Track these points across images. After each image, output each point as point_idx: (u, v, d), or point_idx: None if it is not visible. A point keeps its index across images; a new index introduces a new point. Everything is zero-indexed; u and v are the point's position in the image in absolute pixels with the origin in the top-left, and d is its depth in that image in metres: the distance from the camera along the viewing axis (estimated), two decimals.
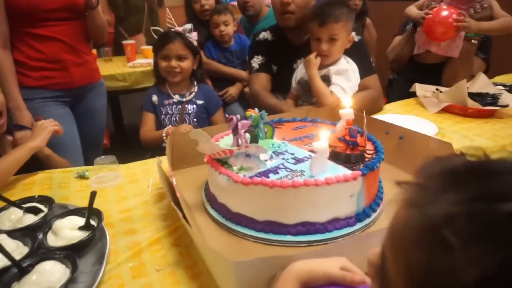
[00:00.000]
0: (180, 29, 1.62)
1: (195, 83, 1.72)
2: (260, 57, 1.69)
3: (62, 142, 1.62)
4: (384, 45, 2.58)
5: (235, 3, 2.85)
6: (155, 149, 1.57)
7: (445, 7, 1.81)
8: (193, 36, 1.64)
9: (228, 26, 2.32)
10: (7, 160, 1.06)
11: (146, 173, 1.18)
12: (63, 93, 1.74)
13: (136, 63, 2.79)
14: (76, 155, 1.74)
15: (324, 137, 0.81)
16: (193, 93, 1.70)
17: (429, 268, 0.27)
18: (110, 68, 2.71)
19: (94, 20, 1.72)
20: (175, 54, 1.60)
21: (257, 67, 1.68)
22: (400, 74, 2.16)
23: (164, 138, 1.57)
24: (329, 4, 1.35)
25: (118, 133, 3.21)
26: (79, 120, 1.82)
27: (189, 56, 1.63)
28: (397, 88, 2.06)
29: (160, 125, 1.67)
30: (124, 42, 2.94)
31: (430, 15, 1.79)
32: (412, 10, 1.96)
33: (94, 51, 2.43)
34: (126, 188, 1.09)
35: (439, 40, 1.84)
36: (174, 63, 1.59)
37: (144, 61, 2.82)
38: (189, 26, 1.63)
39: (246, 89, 2.37)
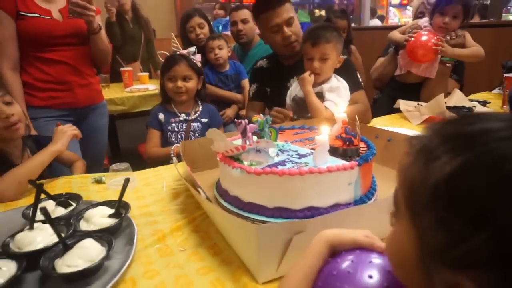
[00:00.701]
0: (185, 52, 1.76)
1: (199, 103, 1.85)
2: (254, 86, 1.91)
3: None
4: (368, 68, 2.80)
5: (228, 33, 3.05)
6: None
7: (425, 32, 2.02)
8: (197, 58, 1.78)
9: (222, 50, 2.48)
10: (31, 163, 1.15)
11: (159, 178, 1.28)
12: (68, 113, 1.85)
13: (133, 88, 2.92)
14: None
15: (325, 131, 0.94)
16: (198, 112, 1.82)
17: (415, 182, 0.34)
18: (109, 93, 2.83)
19: (97, 44, 1.85)
20: (181, 75, 1.72)
21: (251, 95, 1.92)
22: (383, 93, 2.35)
23: (172, 155, 1.65)
24: (321, 27, 1.53)
25: (116, 157, 3.29)
26: (82, 139, 1.91)
27: (194, 76, 1.76)
28: (381, 106, 2.23)
29: (166, 142, 1.76)
30: (122, 69, 3.09)
31: (412, 39, 2.00)
32: (396, 34, 2.17)
33: None
34: (142, 190, 1.18)
35: (420, 61, 2.04)
36: (180, 83, 1.72)
37: (141, 87, 2.96)
38: (193, 49, 1.78)
39: (242, 112, 2.51)
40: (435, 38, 1.95)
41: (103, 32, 1.86)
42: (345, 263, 0.49)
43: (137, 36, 3.47)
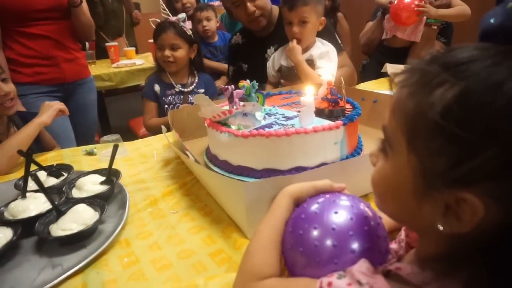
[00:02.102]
0: (173, 19, 1.69)
1: (195, 73, 1.81)
2: (231, 68, 1.92)
3: (56, 134, 1.70)
4: (357, 36, 2.77)
5: (214, 2, 2.99)
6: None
7: None
8: (187, 26, 1.71)
9: (210, 21, 2.45)
10: (18, 137, 1.16)
11: (150, 148, 1.29)
12: (55, 88, 1.83)
13: (120, 63, 2.88)
14: (71, 147, 1.82)
15: (310, 92, 0.95)
16: (194, 83, 1.78)
17: (417, 110, 0.36)
18: (96, 69, 2.79)
19: (79, 18, 1.81)
20: (168, 44, 1.67)
21: (231, 77, 1.94)
22: (371, 58, 2.34)
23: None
24: None
25: (107, 134, 3.27)
26: (72, 115, 1.89)
27: (183, 45, 1.69)
28: (370, 71, 2.23)
29: (162, 114, 1.73)
30: (108, 44, 3.03)
31: (395, 2, 1.99)
32: None
33: None
34: (133, 159, 1.20)
35: (404, 24, 2.03)
36: (167, 52, 1.67)
37: (128, 62, 2.92)
38: (183, 15, 1.71)
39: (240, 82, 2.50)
40: None
41: (84, 5, 1.82)
42: (312, 206, 0.52)
43: (118, 10, 3.38)
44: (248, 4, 1.61)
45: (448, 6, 1.98)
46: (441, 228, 0.36)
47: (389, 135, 0.41)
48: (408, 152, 0.38)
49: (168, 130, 1.22)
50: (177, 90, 1.75)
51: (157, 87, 1.75)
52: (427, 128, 0.35)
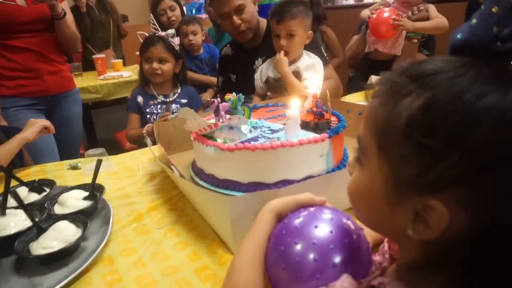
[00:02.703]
0: (163, 33, 1.75)
1: (178, 85, 1.85)
2: (221, 79, 1.94)
3: (39, 148, 1.68)
4: (344, 48, 2.81)
5: (201, 15, 3.01)
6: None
7: (387, 9, 2.05)
8: (175, 41, 1.76)
9: (196, 35, 2.46)
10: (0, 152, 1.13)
11: (135, 161, 1.28)
12: (38, 101, 1.80)
13: (107, 76, 2.86)
14: (55, 161, 1.79)
15: (296, 105, 0.96)
16: (177, 94, 1.82)
17: (386, 119, 0.38)
18: (82, 82, 2.77)
19: (62, 30, 1.79)
20: (156, 57, 1.71)
21: (220, 88, 1.96)
22: (357, 70, 2.37)
23: (144, 134, 1.66)
24: (286, 3, 1.51)
25: (93, 146, 3.23)
26: (56, 127, 1.87)
27: (171, 59, 1.74)
28: (356, 83, 2.26)
29: (146, 124, 1.73)
30: (94, 56, 3.01)
31: (374, 16, 2.03)
32: (365, 12, 2.19)
33: None
34: (118, 173, 1.18)
35: (384, 38, 2.07)
36: (155, 65, 1.71)
37: (115, 74, 2.90)
38: (171, 31, 1.77)
39: (226, 96, 2.50)
40: (395, 14, 1.98)
41: (69, 18, 1.80)
42: (293, 221, 0.52)
43: (106, 22, 3.37)
44: (234, 17, 1.63)
45: (427, 19, 2.02)
46: (411, 234, 0.37)
47: (363, 144, 0.42)
48: (379, 160, 0.39)
49: (154, 143, 1.21)
50: (159, 100, 1.79)
51: (140, 99, 1.79)
52: (395, 137, 0.36)
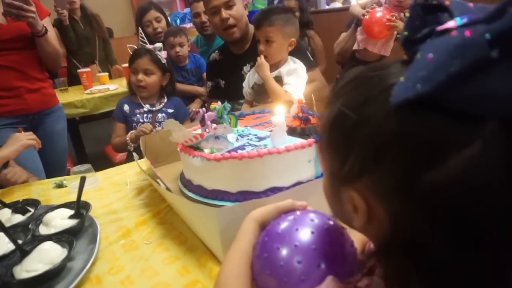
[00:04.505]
0: (150, 47, 1.78)
1: (165, 96, 1.86)
2: (210, 83, 1.95)
3: (23, 166, 1.63)
4: (327, 54, 2.83)
5: (185, 25, 3.01)
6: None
7: (379, 9, 2.07)
8: (162, 54, 1.79)
9: (183, 47, 2.45)
10: None
11: (122, 176, 1.26)
12: (19, 120, 1.77)
13: (93, 89, 2.83)
14: (40, 178, 1.76)
15: (281, 112, 0.95)
16: (163, 103, 1.84)
17: (322, 125, 0.42)
18: (68, 97, 2.74)
19: (43, 47, 1.76)
20: (142, 68, 1.74)
21: (208, 93, 1.98)
22: (344, 72, 2.38)
23: (128, 141, 1.71)
24: (268, 10, 1.53)
25: (82, 162, 3.20)
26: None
27: (156, 72, 1.77)
28: None
29: None
30: (80, 70, 2.98)
31: (367, 16, 2.04)
32: (356, 8, 2.20)
33: None
34: (105, 188, 1.16)
35: (376, 38, 2.08)
36: (140, 76, 1.74)
37: (101, 87, 2.87)
38: (159, 45, 1.80)
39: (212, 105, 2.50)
40: (390, 14, 2.00)
41: (50, 35, 1.78)
42: (274, 228, 0.52)
43: (91, 36, 3.34)
44: (223, 11, 1.66)
45: None
46: (355, 224, 0.41)
47: (319, 146, 0.46)
48: (321, 157, 0.44)
49: (141, 157, 1.19)
50: (145, 109, 1.81)
51: (126, 107, 1.81)
52: (324, 139, 0.42)
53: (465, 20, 0.32)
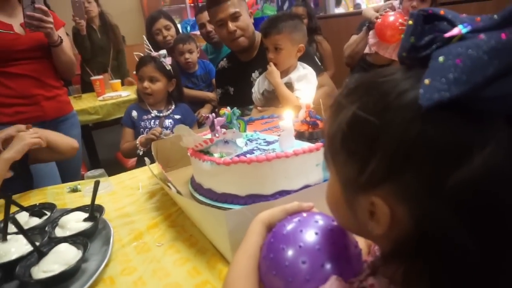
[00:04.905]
0: (155, 54, 1.81)
1: (173, 102, 1.90)
2: (219, 91, 1.98)
3: (41, 171, 1.68)
4: (335, 59, 2.84)
5: (196, 32, 3.05)
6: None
7: (392, 13, 2.07)
8: (167, 61, 1.82)
9: (192, 54, 2.49)
10: None
11: (134, 180, 1.29)
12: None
13: (106, 96, 2.89)
14: (57, 183, 1.80)
15: (289, 116, 0.97)
16: (171, 109, 1.87)
17: (330, 132, 0.42)
18: (81, 104, 2.80)
19: (59, 57, 1.81)
20: (147, 76, 1.78)
21: (218, 100, 2.01)
22: (352, 74, 2.39)
23: (138, 146, 1.74)
24: (275, 18, 1.53)
25: (95, 167, 3.24)
26: None
27: (162, 79, 1.80)
28: None
29: None
30: (93, 78, 3.05)
31: (380, 20, 2.05)
32: (369, 11, 2.21)
33: None
34: (118, 193, 1.19)
35: (388, 42, 2.08)
36: (146, 84, 1.78)
37: (114, 94, 2.93)
38: (163, 52, 1.83)
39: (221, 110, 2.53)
40: (403, 18, 2.00)
41: (65, 44, 1.84)
42: (280, 229, 0.53)
43: (106, 46, 3.40)
44: (230, 23, 1.68)
45: None
46: (370, 231, 0.40)
47: (325, 153, 0.46)
48: (334, 166, 0.44)
49: (153, 161, 1.22)
50: (153, 115, 1.84)
51: (134, 113, 1.86)
52: (337, 145, 0.41)
53: (469, 27, 0.34)
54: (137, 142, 1.74)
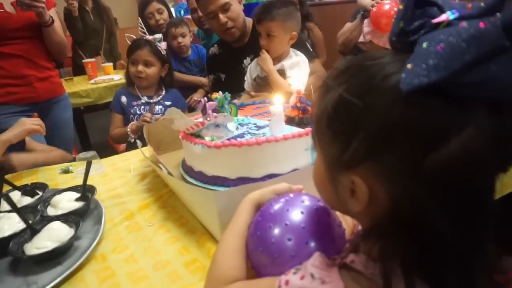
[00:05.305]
0: (150, 37, 1.77)
1: (163, 88, 1.88)
2: (211, 77, 1.97)
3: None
4: (330, 44, 2.83)
5: (189, 16, 3.03)
6: None
7: (387, 1, 2.07)
8: (162, 46, 1.79)
9: (185, 37, 2.47)
10: None
11: (126, 163, 1.30)
12: (29, 107, 1.82)
13: (98, 79, 2.87)
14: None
15: (279, 101, 0.98)
16: (161, 95, 1.85)
17: (318, 112, 0.43)
18: (73, 86, 2.78)
19: (50, 37, 1.80)
20: (142, 60, 1.74)
21: (210, 87, 1.99)
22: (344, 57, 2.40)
23: (129, 133, 1.73)
24: (269, 4, 1.52)
25: (86, 151, 3.24)
26: (47, 133, 1.89)
27: (156, 63, 1.77)
28: None
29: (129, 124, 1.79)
30: (85, 61, 3.02)
31: (375, 8, 2.05)
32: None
33: None
34: (109, 174, 1.20)
35: (382, 31, 2.08)
36: (140, 68, 1.74)
37: (106, 77, 2.91)
38: (159, 36, 1.80)
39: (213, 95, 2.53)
40: (398, 6, 2.01)
41: (57, 24, 1.82)
42: (268, 209, 0.55)
43: (99, 28, 3.36)
44: (220, 15, 1.67)
45: None
46: (350, 208, 0.42)
47: (312, 134, 0.47)
48: (319, 146, 0.45)
49: (144, 144, 1.23)
50: (143, 101, 1.82)
51: (123, 99, 1.82)
52: (323, 126, 0.42)
53: (456, 14, 0.35)
54: (128, 129, 1.73)
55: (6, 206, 0.88)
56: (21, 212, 0.81)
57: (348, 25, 2.38)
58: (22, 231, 0.80)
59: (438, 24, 0.35)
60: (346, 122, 0.39)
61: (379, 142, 0.37)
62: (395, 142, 0.36)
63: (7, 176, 1.15)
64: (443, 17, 0.35)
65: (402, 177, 0.36)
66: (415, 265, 0.38)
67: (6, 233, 0.80)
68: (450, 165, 0.34)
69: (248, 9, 1.82)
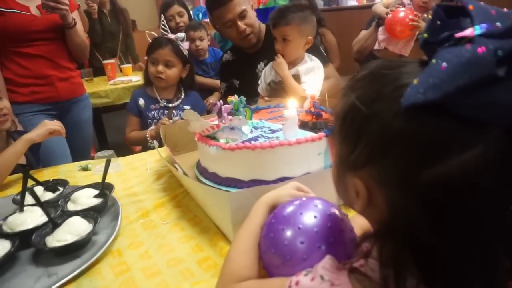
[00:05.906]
0: (172, 36, 1.70)
1: (183, 90, 1.81)
2: (224, 84, 1.96)
3: (53, 151, 1.75)
4: (345, 50, 2.84)
5: (207, 20, 3.07)
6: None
7: (402, 9, 2.08)
8: (185, 45, 1.73)
9: (203, 41, 2.51)
10: (5, 153, 1.19)
11: (143, 162, 1.34)
12: (50, 107, 1.88)
13: (117, 80, 2.94)
14: (67, 162, 1.86)
15: (293, 105, 1.00)
16: (180, 99, 1.78)
17: (335, 114, 0.45)
18: (93, 87, 2.85)
19: (73, 39, 1.87)
20: (163, 60, 1.67)
21: (223, 94, 1.97)
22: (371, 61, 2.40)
23: (148, 138, 1.65)
24: (284, 9, 1.53)
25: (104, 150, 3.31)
26: (67, 131, 1.94)
27: (177, 64, 1.70)
28: None
29: (146, 128, 1.74)
30: (104, 62, 3.10)
31: (390, 16, 2.06)
32: (379, 7, 2.21)
33: None
34: (126, 173, 1.24)
35: (397, 38, 2.09)
36: (161, 68, 1.67)
37: (124, 79, 2.98)
38: (182, 35, 1.73)
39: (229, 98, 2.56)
40: (413, 14, 2.01)
41: (79, 27, 1.88)
42: (281, 211, 0.57)
43: (116, 31, 3.43)
44: (239, 23, 1.67)
45: None
46: (355, 208, 0.45)
47: (332, 130, 0.50)
48: (335, 145, 0.47)
49: (161, 145, 1.27)
50: (161, 105, 1.75)
51: (141, 101, 1.76)
52: (336, 126, 0.45)
53: (483, 29, 0.33)
54: (148, 136, 1.64)
55: (30, 200, 0.92)
56: (44, 206, 0.85)
57: (363, 33, 2.38)
58: (44, 224, 0.84)
59: (462, 38, 0.34)
60: (353, 127, 0.42)
61: (379, 149, 0.39)
62: (393, 152, 0.37)
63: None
64: (467, 32, 0.34)
65: (397, 186, 0.38)
66: (412, 270, 0.39)
67: (29, 225, 0.84)
68: (445, 182, 0.34)
69: (266, 14, 1.83)
